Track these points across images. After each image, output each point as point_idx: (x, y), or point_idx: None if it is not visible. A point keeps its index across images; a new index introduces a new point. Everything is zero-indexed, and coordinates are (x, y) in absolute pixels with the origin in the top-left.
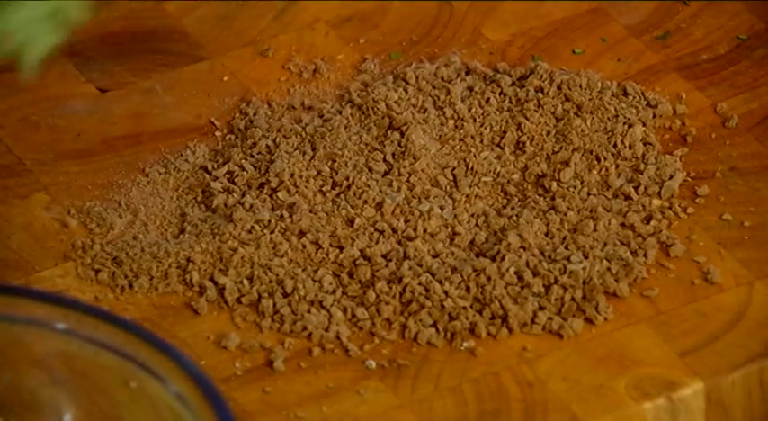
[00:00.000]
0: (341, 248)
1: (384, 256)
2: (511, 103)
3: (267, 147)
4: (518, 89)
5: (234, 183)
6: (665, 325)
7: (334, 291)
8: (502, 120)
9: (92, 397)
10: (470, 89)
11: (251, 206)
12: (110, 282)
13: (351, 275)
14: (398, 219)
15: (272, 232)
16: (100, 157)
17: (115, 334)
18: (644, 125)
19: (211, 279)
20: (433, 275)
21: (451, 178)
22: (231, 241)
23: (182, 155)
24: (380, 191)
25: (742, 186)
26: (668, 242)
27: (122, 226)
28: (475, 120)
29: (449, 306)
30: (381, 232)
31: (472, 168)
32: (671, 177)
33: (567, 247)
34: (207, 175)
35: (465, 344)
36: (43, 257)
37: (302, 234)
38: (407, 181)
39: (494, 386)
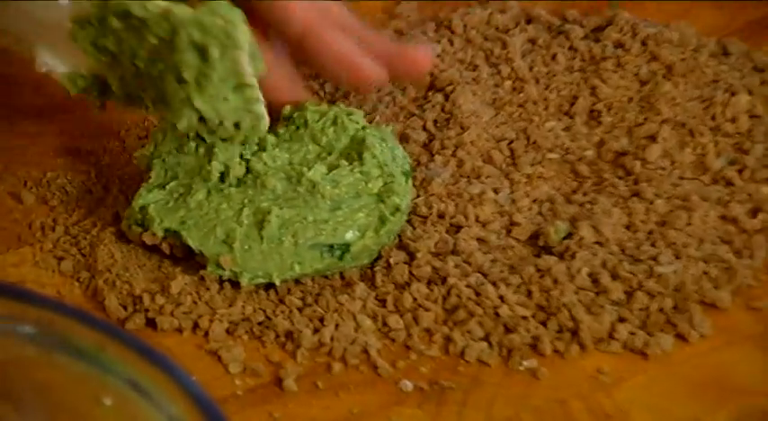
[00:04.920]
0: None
1: (430, 251)
2: (583, 61)
3: None
4: (592, 43)
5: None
6: None
7: (360, 294)
8: (572, 83)
9: (54, 416)
10: (532, 42)
11: None
12: (75, 273)
13: (384, 274)
14: (444, 203)
15: None
16: (64, 116)
17: (90, 339)
18: (750, 93)
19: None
20: (485, 276)
21: (509, 154)
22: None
23: None
24: (421, 165)
25: None
26: None
27: (92, 203)
28: (538, 82)
29: (505, 315)
30: (424, 219)
31: (534, 142)
32: None
33: (653, 245)
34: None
35: (525, 364)
36: None
37: None
38: (453, 155)
39: (560, 416)
